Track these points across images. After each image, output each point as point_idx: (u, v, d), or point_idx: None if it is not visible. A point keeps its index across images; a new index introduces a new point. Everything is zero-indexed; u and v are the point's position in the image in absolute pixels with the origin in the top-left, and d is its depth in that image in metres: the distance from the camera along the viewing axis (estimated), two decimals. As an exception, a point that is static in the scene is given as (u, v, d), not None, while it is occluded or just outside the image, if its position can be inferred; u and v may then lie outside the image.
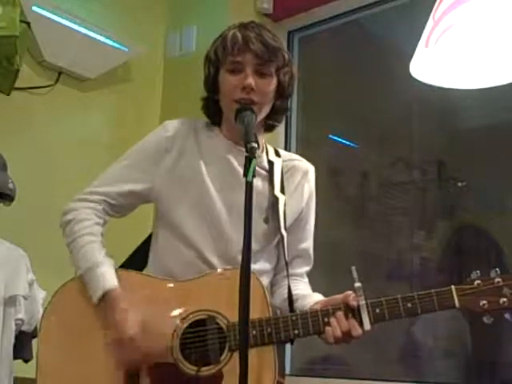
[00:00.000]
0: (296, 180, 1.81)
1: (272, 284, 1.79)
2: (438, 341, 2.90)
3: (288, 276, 1.72)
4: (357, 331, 1.53)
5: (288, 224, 1.77)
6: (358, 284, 1.53)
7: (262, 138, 1.82)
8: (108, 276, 1.64)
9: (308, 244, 1.84)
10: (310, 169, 1.86)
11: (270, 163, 1.78)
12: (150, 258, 1.79)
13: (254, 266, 1.66)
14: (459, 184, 3.00)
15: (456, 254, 2.97)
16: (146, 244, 1.83)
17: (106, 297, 1.63)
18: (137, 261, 1.82)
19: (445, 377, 2.77)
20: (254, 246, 1.68)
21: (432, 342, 2.92)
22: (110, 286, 1.62)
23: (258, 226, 1.70)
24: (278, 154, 1.84)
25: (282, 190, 1.76)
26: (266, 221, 1.73)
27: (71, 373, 1.64)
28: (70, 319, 1.69)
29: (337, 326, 1.54)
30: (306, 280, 1.85)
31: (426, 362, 2.90)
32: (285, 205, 1.75)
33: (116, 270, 1.69)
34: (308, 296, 1.73)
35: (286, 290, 1.72)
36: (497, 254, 2.78)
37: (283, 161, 1.82)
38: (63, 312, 1.71)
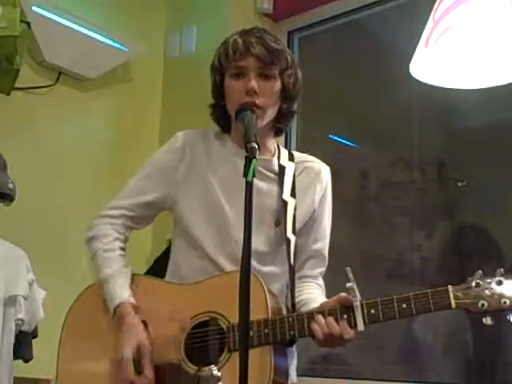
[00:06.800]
0: (308, 181, 1.82)
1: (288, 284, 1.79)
2: (438, 339, 2.90)
3: (293, 281, 1.72)
4: (348, 334, 1.52)
5: (299, 226, 1.77)
6: (349, 284, 1.52)
7: (273, 142, 1.84)
8: (118, 290, 1.70)
9: (322, 245, 1.84)
10: (324, 169, 1.86)
11: (281, 167, 1.79)
12: (168, 265, 1.83)
13: (264, 269, 1.70)
14: (459, 184, 3.00)
15: (456, 254, 2.97)
16: (168, 252, 1.87)
17: (116, 312, 1.68)
18: (159, 268, 1.87)
19: (445, 376, 2.77)
20: (265, 248, 1.71)
21: (432, 339, 2.91)
22: (118, 301, 1.68)
23: (269, 229, 1.72)
24: (291, 158, 1.84)
25: (293, 194, 1.77)
26: (277, 224, 1.74)
27: (89, 372, 1.70)
28: (93, 319, 1.76)
29: (326, 328, 1.53)
30: (321, 281, 1.85)
31: (426, 360, 2.90)
32: (295, 208, 1.76)
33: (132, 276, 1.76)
34: (315, 300, 1.72)
35: (298, 293, 1.74)
36: (497, 254, 2.78)
37: (296, 163, 1.83)
38: (87, 312, 1.78)
